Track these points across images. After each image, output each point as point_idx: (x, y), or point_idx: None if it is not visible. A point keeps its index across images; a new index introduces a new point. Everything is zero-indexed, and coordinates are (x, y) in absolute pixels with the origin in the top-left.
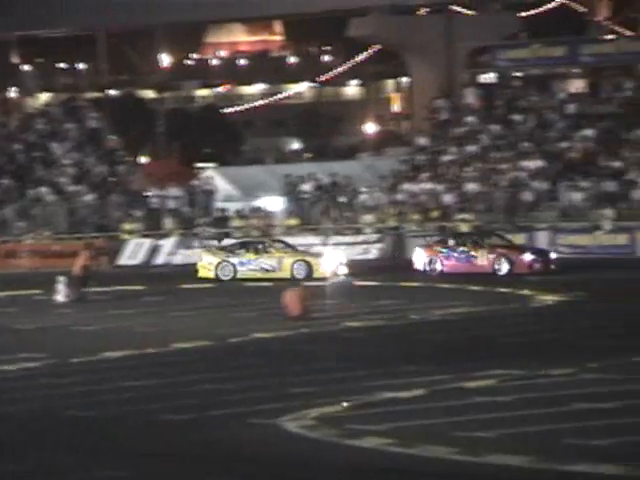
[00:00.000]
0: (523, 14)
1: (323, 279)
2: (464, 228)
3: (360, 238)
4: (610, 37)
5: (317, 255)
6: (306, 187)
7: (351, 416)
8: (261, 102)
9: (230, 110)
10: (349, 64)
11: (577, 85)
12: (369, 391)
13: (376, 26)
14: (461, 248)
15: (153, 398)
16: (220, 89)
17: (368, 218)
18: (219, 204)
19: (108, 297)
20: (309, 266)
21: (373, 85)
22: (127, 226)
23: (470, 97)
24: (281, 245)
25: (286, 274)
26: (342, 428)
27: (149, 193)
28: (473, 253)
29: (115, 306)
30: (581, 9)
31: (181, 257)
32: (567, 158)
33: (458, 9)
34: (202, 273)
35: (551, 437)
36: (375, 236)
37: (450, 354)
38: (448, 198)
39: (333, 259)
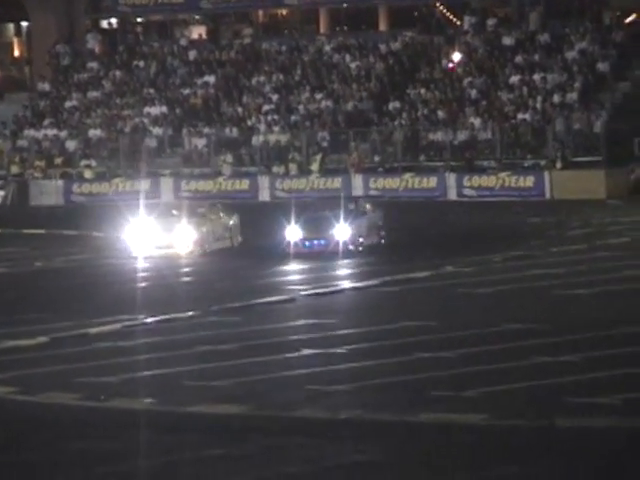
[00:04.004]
0: None
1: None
2: (88, 175)
3: None
4: None
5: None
6: None
7: None
8: None
9: None
10: None
11: (197, 31)
12: None
13: None
14: None
15: None
16: None
17: None
18: None
19: None
20: None
21: None
22: None
23: (92, 42)
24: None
25: None
26: None
27: None
28: None
29: None
30: None
31: None
32: (189, 104)
33: None
34: None
35: (172, 380)
36: None
37: (73, 301)
38: (71, 144)
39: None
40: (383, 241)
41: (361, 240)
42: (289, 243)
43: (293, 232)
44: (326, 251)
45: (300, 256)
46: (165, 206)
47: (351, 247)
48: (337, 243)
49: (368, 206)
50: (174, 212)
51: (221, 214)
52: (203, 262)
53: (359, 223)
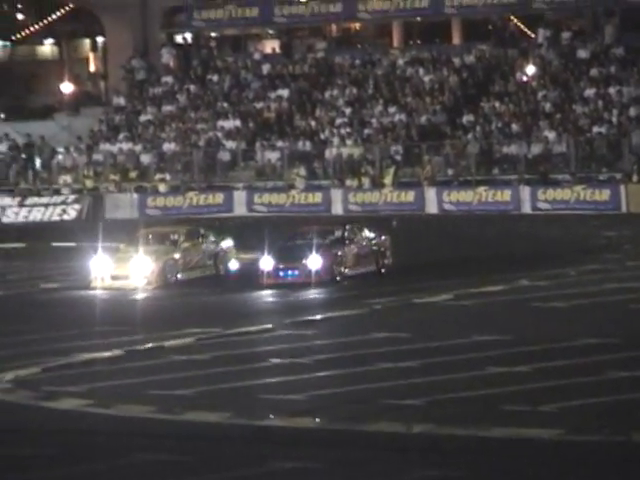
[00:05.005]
0: None
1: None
2: (162, 188)
3: (57, 199)
4: None
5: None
6: (0, 147)
7: (48, 378)
8: None
9: None
10: (43, 22)
11: (271, 45)
12: (66, 352)
13: None
14: None
15: None
16: None
17: (65, 179)
18: None
19: None
20: None
21: (68, 44)
22: None
23: (166, 57)
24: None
25: None
26: (39, 390)
27: None
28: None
29: None
30: None
31: None
32: (263, 118)
33: None
34: None
35: (247, 393)
36: (73, 197)
37: (148, 315)
38: (146, 158)
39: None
40: (383, 270)
41: (343, 269)
42: (263, 272)
43: (267, 261)
44: (298, 281)
45: (272, 286)
46: (142, 231)
47: (325, 277)
48: (309, 273)
49: (367, 232)
50: (150, 237)
51: (201, 239)
52: (145, 295)
53: (344, 251)
